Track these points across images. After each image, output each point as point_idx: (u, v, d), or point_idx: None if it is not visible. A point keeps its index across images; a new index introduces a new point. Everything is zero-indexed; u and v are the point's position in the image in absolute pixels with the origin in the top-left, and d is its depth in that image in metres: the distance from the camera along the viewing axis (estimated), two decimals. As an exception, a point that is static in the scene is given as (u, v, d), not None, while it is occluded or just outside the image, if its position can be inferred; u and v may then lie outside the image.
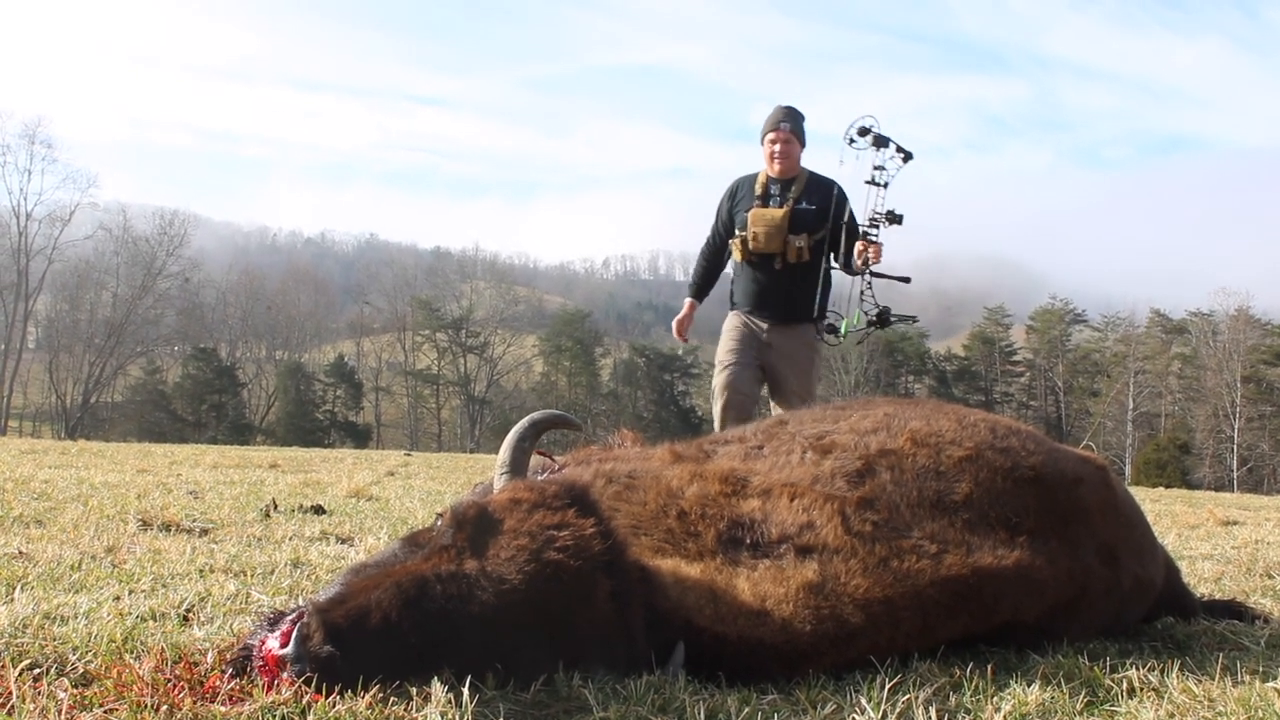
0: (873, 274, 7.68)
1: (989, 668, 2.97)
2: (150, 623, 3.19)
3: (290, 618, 2.64)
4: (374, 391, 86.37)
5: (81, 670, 2.65)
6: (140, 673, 2.56)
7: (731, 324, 8.51)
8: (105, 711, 2.29)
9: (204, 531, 5.72)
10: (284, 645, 2.54)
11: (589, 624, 2.74)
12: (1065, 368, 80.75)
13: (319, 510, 6.99)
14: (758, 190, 8.29)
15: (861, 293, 7.77)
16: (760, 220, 8.13)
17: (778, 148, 8.16)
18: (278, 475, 11.36)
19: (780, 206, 8.13)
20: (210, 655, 2.79)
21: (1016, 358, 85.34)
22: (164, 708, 2.33)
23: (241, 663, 2.64)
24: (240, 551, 4.96)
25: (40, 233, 73.39)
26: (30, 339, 77.67)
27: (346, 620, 2.53)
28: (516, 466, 3.13)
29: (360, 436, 75.35)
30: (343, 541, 5.48)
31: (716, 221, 8.68)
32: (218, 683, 2.54)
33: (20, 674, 2.53)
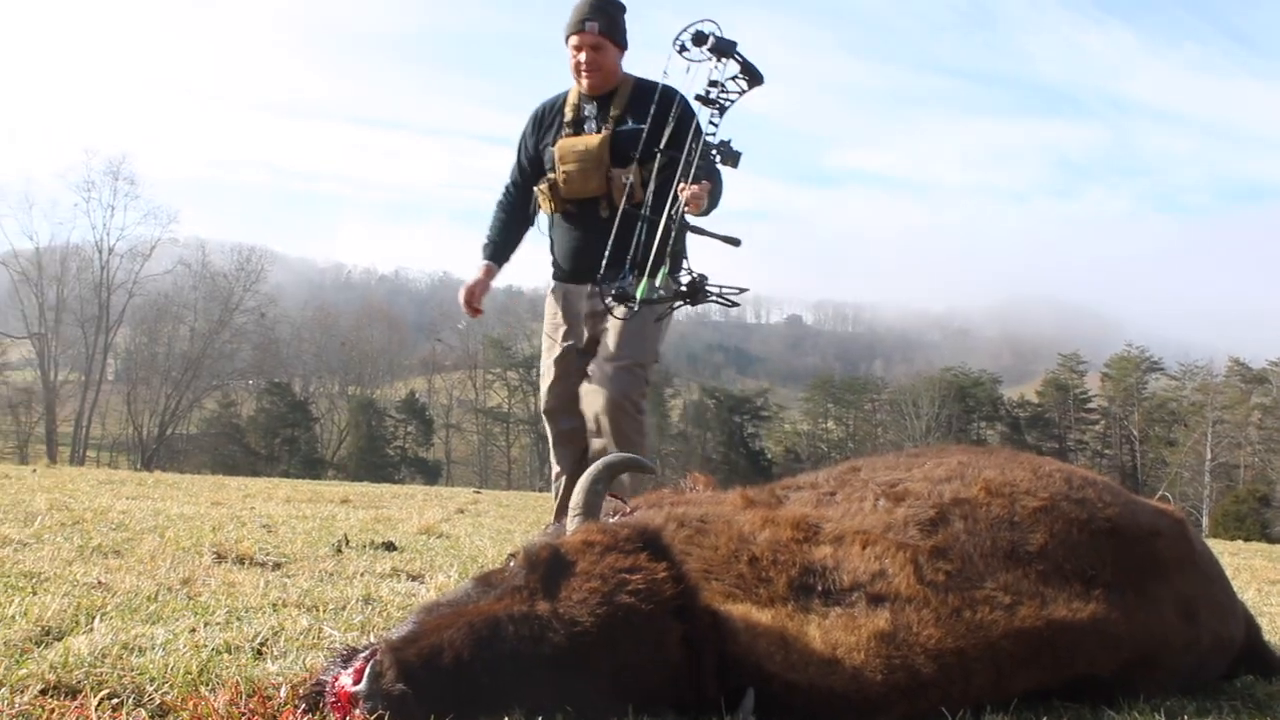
0: (690, 227, 5.79)
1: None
2: (225, 656, 3.23)
3: (363, 655, 2.67)
4: (445, 428, 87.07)
5: (158, 702, 2.68)
6: (215, 706, 2.60)
7: (548, 308, 6.97)
8: (181, 744, 2.32)
9: (277, 565, 5.78)
10: (357, 682, 2.56)
11: (660, 668, 2.74)
12: (1141, 416, 79.68)
13: (390, 547, 7.03)
14: (567, 114, 6.59)
15: (671, 249, 5.63)
16: (570, 153, 6.43)
17: (583, 56, 6.41)
18: (349, 510, 11.44)
19: (597, 131, 6.45)
20: (284, 690, 2.82)
21: (1091, 405, 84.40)
22: (239, 742, 2.36)
23: (314, 698, 2.67)
24: (313, 586, 5.00)
25: (121, 267, 74.91)
26: (110, 371, 78.98)
27: (419, 658, 2.55)
28: (589, 509, 3.15)
29: (430, 473, 75.86)
30: (413, 579, 5.51)
31: (517, 160, 6.92)
32: (291, 717, 2.58)
33: (100, 703, 2.57)
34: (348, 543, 7.03)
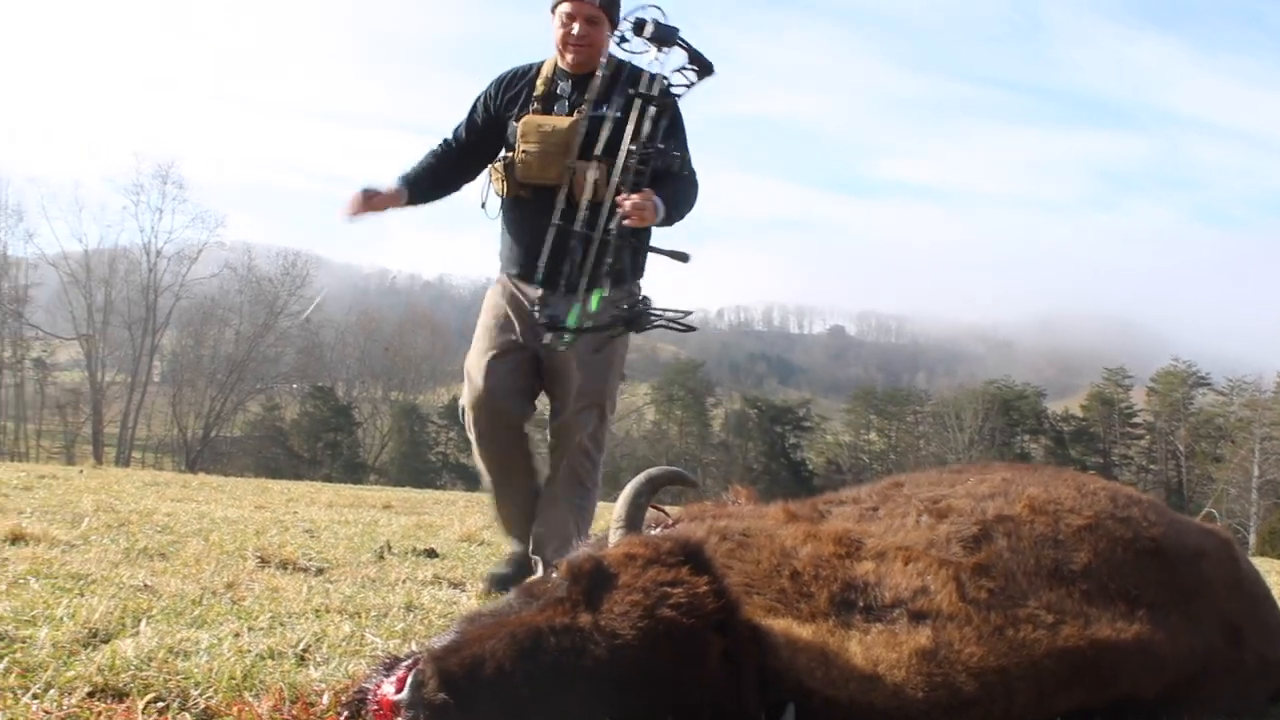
0: (632, 243, 5.39)
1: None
2: (269, 661, 3.26)
3: (406, 663, 2.68)
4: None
5: (203, 706, 2.72)
6: (259, 712, 2.63)
7: (493, 299, 5.98)
8: (226, 749, 2.35)
9: (320, 571, 5.82)
10: (399, 691, 2.58)
11: (700, 682, 2.74)
12: (1187, 432, 78.83)
13: (432, 554, 7.07)
14: (538, 87, 5.72)
15: (611, 267, 5.30)
16: (534, 131, 5.55)
17: (577, 29, 5.52)
18: (391, 516, 11.49)
19: (568, 114, 5.58)
20: (326, 697, 2.85)
21: (1136, 420, 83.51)
22: (282, 747, 2.38)
23: (357, 705, 2.69)
24: (355, 593, 5.04)
25: (169, 270, 75.47)
26: (155, 373, 79.63)
27: (461, 668, 2.56)
28: (632, 522, 3.15)
29: (472, 479, 75.82)
30: (455, 586, 5.54)
31: (468, 118, 5.95)
32: (334, 725, 2.60)
33: (145, 707, 2.60)
34: (390, 549, 7.08)
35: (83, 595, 4.11)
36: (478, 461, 5.98)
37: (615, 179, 5.32)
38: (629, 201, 5.13)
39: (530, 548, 5.89)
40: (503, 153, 5.76)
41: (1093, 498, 3.63)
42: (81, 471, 16.81)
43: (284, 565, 5.82)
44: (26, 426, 75.43)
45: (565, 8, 5.53)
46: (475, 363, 5.85)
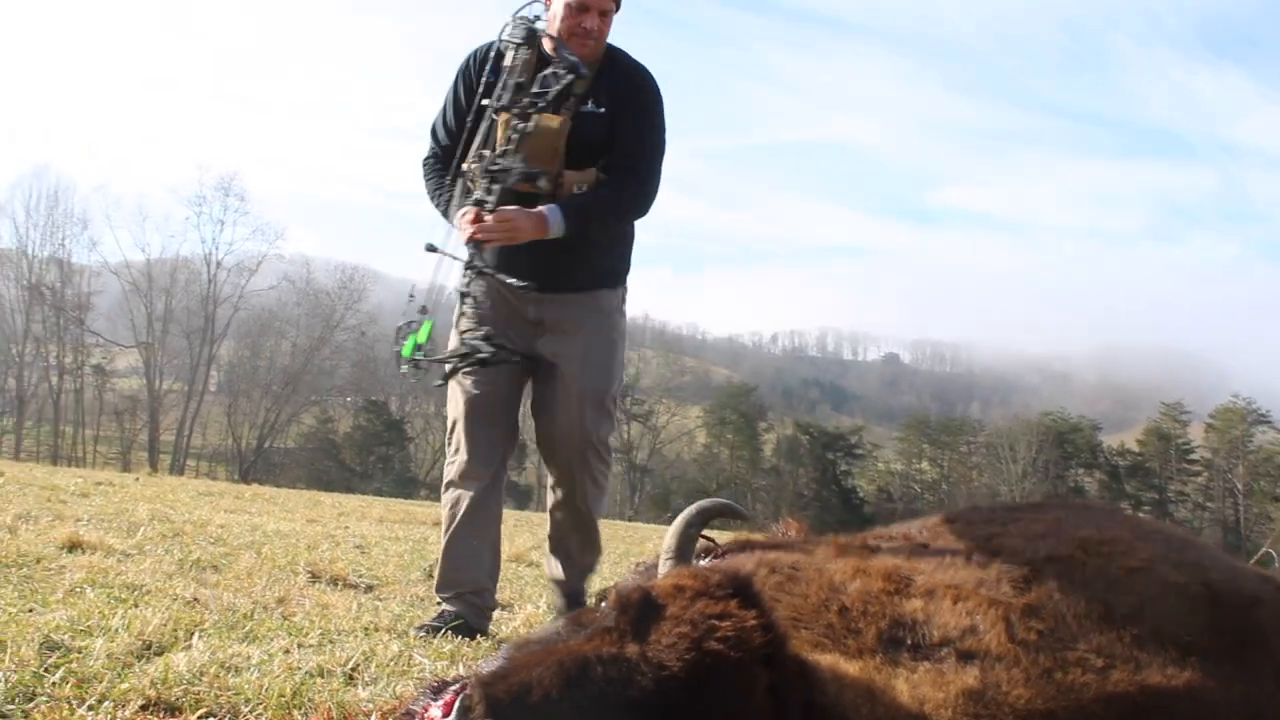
0: (479, 269, 4.79)
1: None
2: (318, 680, 3.29)
3: (454, 688, 2.70)
4: (536, 453, 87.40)
5: (252, 723, 2.75)
6: (308, 731, 2.65)
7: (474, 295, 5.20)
8: (274, 768, 2.37)
9: (369, 588, 5.87)
10: (446, 715, 2.60)
11: (746, 716, 2.74)
12: (1246, 469, 77.79)
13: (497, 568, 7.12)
14: (522, 74, 4.91)
15: (462, 295, 4.87)
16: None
17: (591, 23, 4.94)
18: (440, 534, 11.56)
19: (556, 111, 4.90)
20: (374, 717, 2.87)
21: (1194, 456, 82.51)
22: (329, 768, 2.41)
23: (404, 728, 2.72)
24: (404, 611, 5.08)
25: (228, 281, 76.51)
26: (212, 382, 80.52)
27: (508, 695, 2.57)
28: (682, 553, 3.16)
29: (521, 497, 76.23)
30: (502, 608, 5.56)
31: (442, 117, 5.23)
32: (380, 747, 2.62)
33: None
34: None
35: (137, 606, 4.16)
36: (455, 486, 5.24)
37: (454, 202, 4.98)
38: (483, 225, 4.72)
39: (554, 569, 5.50)
40: (481, 150, 5.00)
41: (1147, 540, 3.60)
42: (138, 479, 17.04)
43: (334, 581, 5.88)
44: (84, 432, 76.38)
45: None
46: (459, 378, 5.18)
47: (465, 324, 4.96)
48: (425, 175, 5.29)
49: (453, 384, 5.17)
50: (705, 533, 3.59)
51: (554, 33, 4.94)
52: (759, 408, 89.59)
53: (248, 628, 4.03)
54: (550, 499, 5.48)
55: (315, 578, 5.91)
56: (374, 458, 77.75)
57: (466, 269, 4.82)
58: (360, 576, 6.22)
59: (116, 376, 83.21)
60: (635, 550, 12.87)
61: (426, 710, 2.68)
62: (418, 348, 4.76)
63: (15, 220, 75.25)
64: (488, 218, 4.72)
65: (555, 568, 5.53)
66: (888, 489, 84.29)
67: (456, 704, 2.58)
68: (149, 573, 5.13)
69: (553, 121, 4.89)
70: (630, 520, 54.20)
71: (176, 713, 2.74)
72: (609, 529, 20.72)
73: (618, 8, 5.05)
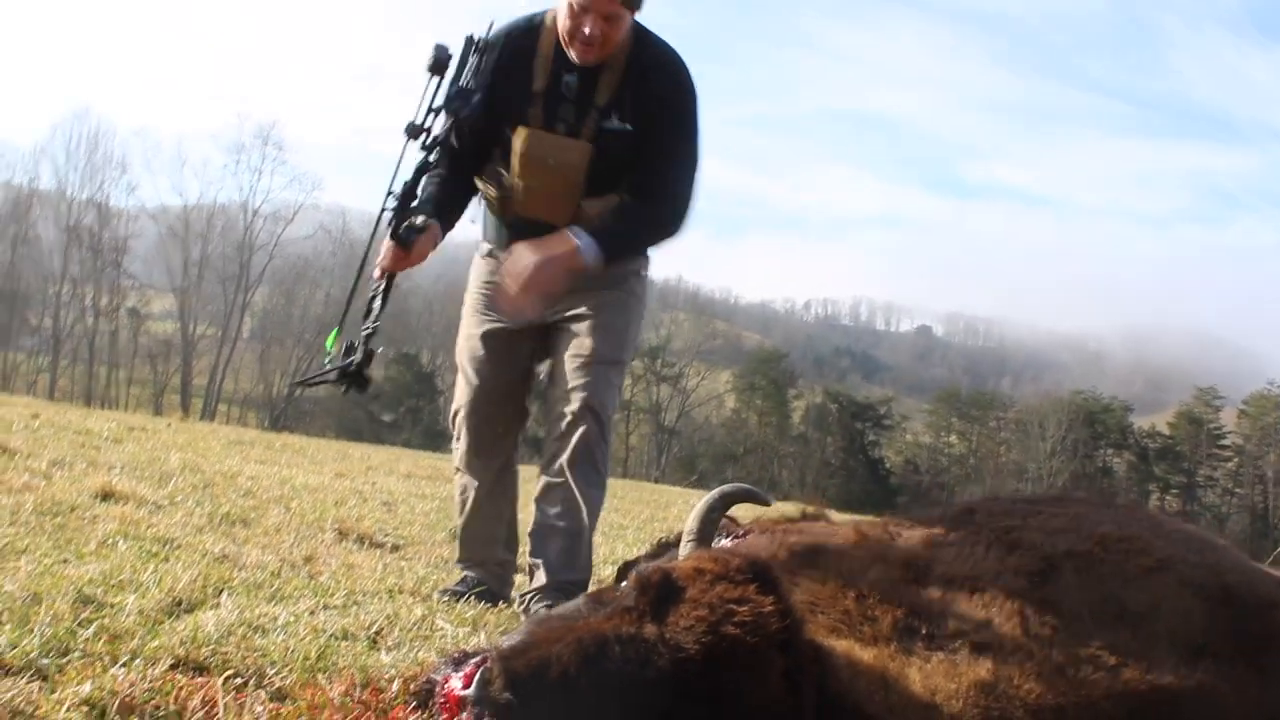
0: (383, 294, 4.63)
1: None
2: (342, 643, 3.36)
3: (474, 660, 2.77)
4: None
5: (278, 685, 2.81)
6: (331, 696, 2.72)
7: (482, 272, 5.04)
8: (297, 731, 2.44)
9: (395, 548, 5.95)
10: (466, 686, 2.67)
11: (760, 700, 2.79)
12: (1277, 457, 77.28)
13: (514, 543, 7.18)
14: (537, 78, 4.55)
15: (370, 308, 4.65)
16: (535, 164, 4.52)
17: (591, 29, 4.33)
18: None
19: (576, 129, 4.51)
20: (395, 684, 2.94)
21: (1225, 442, 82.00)
22: (351, 734, 2.48)
23: (424, 696, 2.78)
24: (428, 574, 5.15)
25: (264, 229, 76.98)
26: (245, 329, 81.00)
27: (527, 670, 2.63)
28: (703, 535, 3.20)
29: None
30: (525, 572, 5.58)
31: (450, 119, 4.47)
32: (401, 714, 2.68)
33: (224, 683, 2.71)
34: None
35: (167, 561, 4.25)
36: (458, 461, 5.07)
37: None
38: (394, 254, 4.46)
39: (528, 548, 4.95)
40: (496, 168, 4.68)
41: (1166, 539, 3.62)
42: (170, 425, 17.21)
43: (361, 540, 5.96)
44: (118, 374, 77.03)
45: None
46: (465, 361, 4.98)
47: (362, 337, 4.56)
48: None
49: (460, 371, 5.00)
50: (727, 514, 3.64)
51: (559, 32, 4.46)
52: (789, 374, 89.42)
53: (275, 586, 4.10)
54: (538, 485, 4.90)
55: (342, 535, 6.00)
56: (404, 409, 78.05)
57: (372, 301, 4.61)
58: (386, 536, 6.30)
59: (151, 320, 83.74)
60: (660, 515, 12.92)
61: (447, 680, 2.75)
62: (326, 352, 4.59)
63: (55, 162, 75.92)
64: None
65: (536, 574, 4.83)
66: (915, 461, 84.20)
67: (477, 676, 2.65)
68: (180, 526, 5.22)
69: (571, 154, 4.51)
70: (656, 482, 54.31)
71: (205, 672, 2.80)
72: (635, 490, 20.81)
73: (634, 9, 4.40)
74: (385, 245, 4.45)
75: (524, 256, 4.38)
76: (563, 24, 4.39)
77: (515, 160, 4.53)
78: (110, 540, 4.56)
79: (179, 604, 3.49)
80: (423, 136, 4.31)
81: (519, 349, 4.93)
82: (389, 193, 4.37)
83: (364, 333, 4.51)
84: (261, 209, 76.69)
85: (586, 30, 4.31)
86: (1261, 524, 72.44)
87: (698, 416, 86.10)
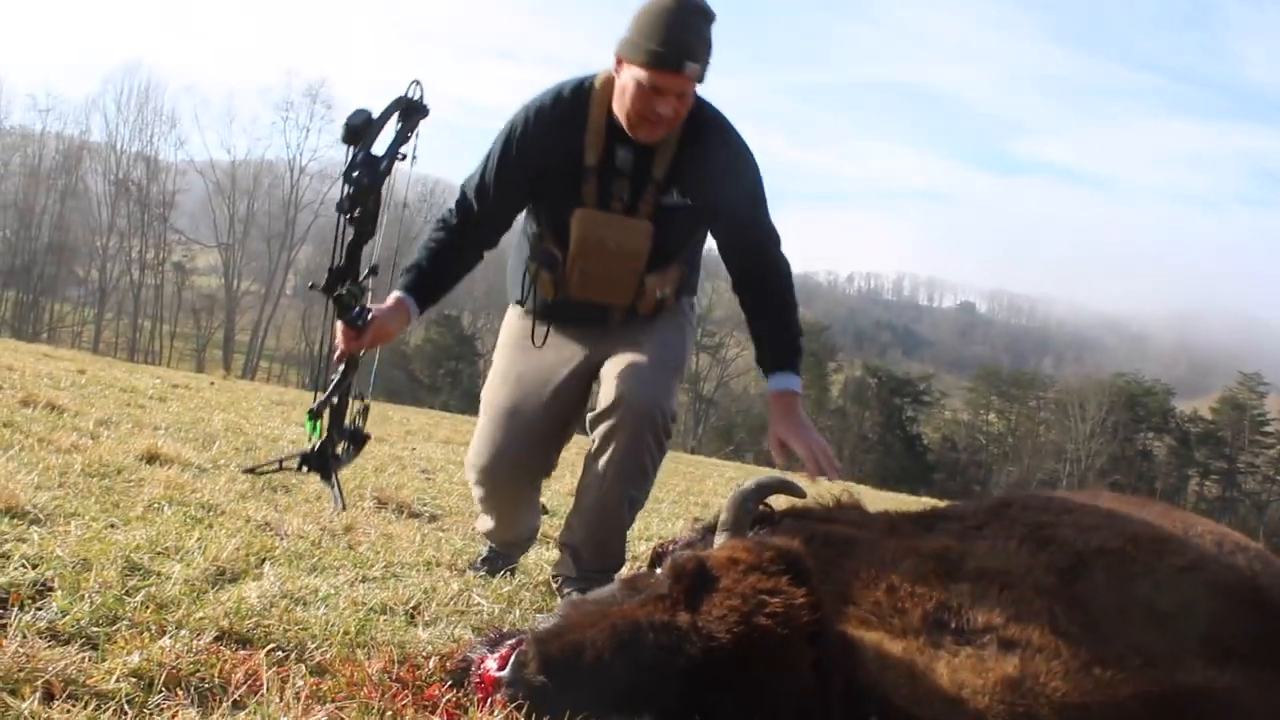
0: (341, 377, 4.31)
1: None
2: (381, 617, 3.42)
3: (510, 641, 2.83)
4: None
5: (317, 660, 2.88)
6: (370, 672, 2.78)
7: (518, 325, 4.75)
8: (337, 708, 2.50)
9: (433, 518, 6.03)
10: (501, 668, 2.73)
11: (789, 690, 2.84)
12: (1321, 447, 76.61)
13: (542, 510, 7.24)
14: (589, 152, 4.24)
15: (330, 394, 4.32)
16: (595, 247, 4.30)
17: (666, 109, 4.04)
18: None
19: (633, 206, 4.27)
20: (432, 661, 3.00)
21: (1268, 429, 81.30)
22: (388, 713, 2.54)
23: (460, 675, 2.85)
24: (465, 546, 5.22)
25: (310, 187, 77.29)
26: (289, 286, 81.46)
27: (561, 654, 2.69)
28: (738, 525, 3.25)
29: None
30: (545, 547, 5.64)
31: (479, 186, 4.43)
32: (437, 692, 2.75)
33: (266, 656, 2.78)
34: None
35: (211, 528, 4.32)
36: (477, 488, 4.75)
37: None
38: (347, 337, 4.19)
39: (564, 536, 4.76)
40: (549, 248, 4.43)
41: (1198, 540, 3.65)
42: (212, 383, 17.39)
43: (400, 509, 6.05)
44: (162, 327, 77.74)
45: (653, 78, 3.97)
46: (493, 409, 4.60)
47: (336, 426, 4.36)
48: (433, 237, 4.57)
49: (500, 360, 4.72)
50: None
51: (618, 109, 4.14)
52: (829, 347, 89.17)
53: (316, 557, 4.16)
54: (584, 473, 4.61)
55: (381, 504, 6.08)
56: (443, 371, 78.42)
57: (335, 390, 4.31)
58: (424, 505, 6.37)
59: (196, 275, 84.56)
60: (695, 488, 13.00)
61: (483, 661, 2.81)
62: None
63: (106, 115, 76.45)
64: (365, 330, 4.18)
65: (565, 558, 4.75)
66: (952, 439, 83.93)
67: (512, 658, 2.71)
68: (223, 492, 5.29)
69: (636, 237, 4.28)
70: (693, 452, 54.37)
71: (248, 645, 2.87)
72: (671, 461, 20.83)
73: (703, 80, 4.09)
74: (338, 327, 4.19)
75: (813, 437, 4.37)
76: (629, 104, 4.05)
77: (574, 243, 4.29)
78: (155, 505, 4.64)
79: (222, 573, 3.56)
80: (349, 210, 4.12)
81: (562, 394, 4.57)
82: (329, 269, 4.11)
83: (326, 412, 4.26)
84: (308, 167, 77.07)
85: (661, 110, 4.03)
86: (1301, 513, 71.91)
87: (736, 387, 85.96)
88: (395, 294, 4.35)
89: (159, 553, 3.66)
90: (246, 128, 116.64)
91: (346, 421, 4.30)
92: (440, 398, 71.87)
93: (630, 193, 4.25)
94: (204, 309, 79.49)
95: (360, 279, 4.11)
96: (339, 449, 4.16)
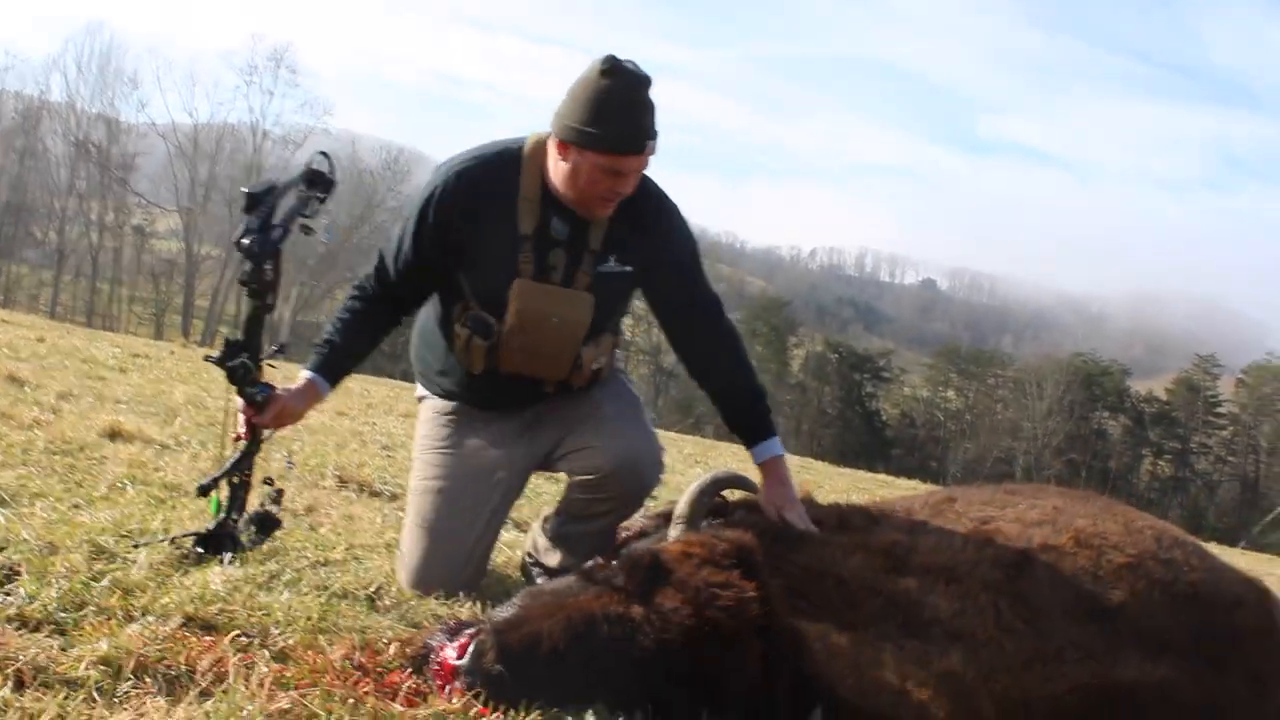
0: (243, 455, 3.98)
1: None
2: (342, 603, 3.49)
3: (469, 631, 2.92)
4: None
5: (280, 646, 2.95)
6: (332, 659, 2.86)
7: (437, 413, 4.45)
8: (300, 695, 2.58)
9: (393, 496, 6.07)
10: (460, 656, 2.82)
11: (737, 681, 2.95)
12: (1272, 428, 77.39)
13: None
14: (523, 221, 4.03)
15: (227, 473, 3.94)
16: (536, 320, 4.03)
17: (622, 188, 3.93)
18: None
19: (569, 276, 4.07)
20: (392, 647, 3.08)
21: (1221, 410, 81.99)
22: (350, 700, 2.62)
23: (420, 662, 2.93)
24: (424, 527, 5.28)
25: (273, 152, 76.32)
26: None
27: (519, 644, 2.79)
28: (693, 519, 3.35)
29: (546, 391, 76.50)
30: (519, 528, 5.68)
31: (398, 257, 4.16)
32: (397, 679, 2.83)
33: (231, 642, 2.85)
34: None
35: (175, 509, 4.38)
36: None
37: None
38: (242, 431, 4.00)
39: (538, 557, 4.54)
40: (482, 318, 4.11)
41: (1138, 536, 3.75)
42: (172, 352, 17.31)
43: (361, 488, 6.10)
44: (121, 291, 77.03)
45: (611, 162, 3.84)
46: (419, 515, 4.30)
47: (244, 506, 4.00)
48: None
49: (423, 465, 4.42)
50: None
51: (565, 188, 3.97)
52: (791, 322, 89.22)
53: (278, 539, 4.21)
54: (572, 522, 4.43)
55: (343, 483, 6.12)
56: (404, 339, 77.72)
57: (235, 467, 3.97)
58: (385, 484, 6.42)
59: (156, 238, 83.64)
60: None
61: (442, 649, 2.90)
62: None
63: (66, 75, 75.40)
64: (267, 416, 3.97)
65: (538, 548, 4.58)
66: (911, 415, 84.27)
67: (471, 648, 2.80)
68: (186, 470, 5.34)
69: (577, 309, 4.08)
70: (653, 424, 54.36)
71: (213, 630, 2.94)
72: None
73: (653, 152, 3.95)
74: (237, 404, 4.00)
75: (790, 504, 3.86)
76: (585, 187, 3.89)
77: (512, 316, 4.03)
78: (119, 484, 4.70)
79: (186, 557, 3.62)
80: (249, 281, 3.90)
81: (499, 512, 4.38)
82: (227, 342, 3.90)
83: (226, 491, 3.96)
84: (271, 132, 76.33)
85: (622, 191, 3.92)
86: (1251, 493, 72.83)
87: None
88: (304, 374, 4.12)
89: (124, 535, 3.72)
90: (209, 91, 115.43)
91: (258, 505, 4.03)
92: (400, 365, 71.50)
93: (566, 262, 4.06)
94: (164, 273, 78.64)
95: (260, 356, 3.93)
96: (244, 535, 3.89)
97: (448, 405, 4.40)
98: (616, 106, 3.78)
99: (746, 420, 4.22)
